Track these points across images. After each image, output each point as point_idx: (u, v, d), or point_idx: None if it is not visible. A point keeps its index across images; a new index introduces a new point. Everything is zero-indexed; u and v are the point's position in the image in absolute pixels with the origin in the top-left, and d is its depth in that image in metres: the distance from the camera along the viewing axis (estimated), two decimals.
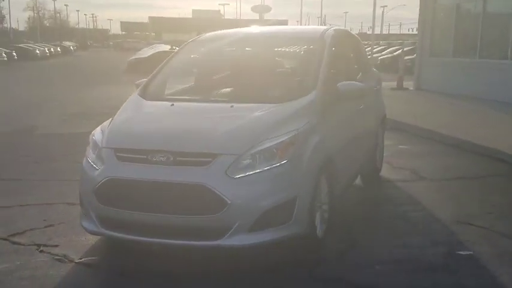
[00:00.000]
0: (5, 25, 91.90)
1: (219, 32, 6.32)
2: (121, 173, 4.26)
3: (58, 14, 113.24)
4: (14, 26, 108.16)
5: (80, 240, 4.91)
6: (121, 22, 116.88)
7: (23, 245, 4.87)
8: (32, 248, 4.78)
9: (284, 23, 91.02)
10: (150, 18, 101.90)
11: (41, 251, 4.72)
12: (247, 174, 4.12)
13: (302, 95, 4.87)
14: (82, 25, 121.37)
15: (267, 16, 40.80)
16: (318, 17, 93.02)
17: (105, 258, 4.67)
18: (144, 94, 5.26)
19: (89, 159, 4.52)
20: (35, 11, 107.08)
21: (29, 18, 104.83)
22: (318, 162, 4.51)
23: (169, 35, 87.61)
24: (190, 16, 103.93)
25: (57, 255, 4.62)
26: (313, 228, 4.51)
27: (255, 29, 6.66)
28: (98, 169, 4.38)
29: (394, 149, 9.19)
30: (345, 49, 6.25)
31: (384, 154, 7.72)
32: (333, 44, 5.66)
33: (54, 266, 4.44)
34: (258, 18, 37.48)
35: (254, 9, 45.46)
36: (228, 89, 5.51)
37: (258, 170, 4.15)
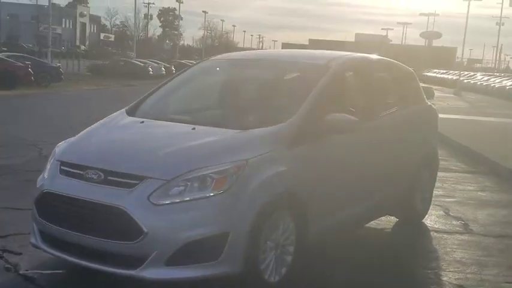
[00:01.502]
0: (182, 42, 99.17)
1: (226, 54, 6.13)
2: (57, 187, 4.15)
3: (226, 34, 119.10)
4: (188, 43, 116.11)
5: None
6: (282, 43, 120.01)
7: None
8: None
9: (453, 50, 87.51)
10: (310, 40, 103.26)
11: (0, 257, 4.73)
12: (172, 201, 3.81)
13: (274, 123, 4.45)
14: (247, 45, 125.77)
15: (436, 43, 39.06)
16: (494, 46, 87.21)
17: (51, 273, 4.52)
18: (132, 109, 5.10)
19: (45, 169, 4.48)
20: (207, 30, 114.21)
21: (202, 37, 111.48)
22: (269, 197, 4.07)
23: None
24: (353, 40, 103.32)
25: (10, 263, 4.59)
26: (255, 270, 4.05)
27: (266, 51, 6.33)
28: (42, 181, 4.32)
29: (468, 195, 8.25)
30: (368, 80, 5.65)
31: (454, 199, 6.98)
32: (340, 73, 5.20)
33: None
34: (424, 44, 36.31)
35: (423, 35, 44.01)
36: (209, 111, 5.23)
37: (186, 198, 3.83)
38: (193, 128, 4.48)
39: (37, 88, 24.09)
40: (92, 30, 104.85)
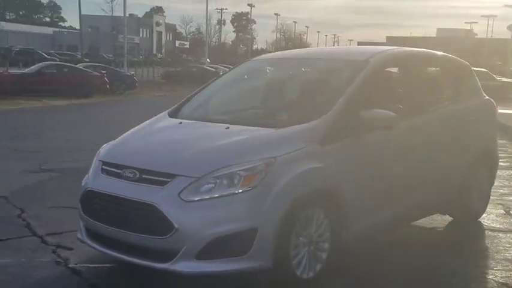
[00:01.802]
0: (255, 46, 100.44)
1: (269, 54, 6.18)
2: (98, 186, 4.36)
3: (299, 35, 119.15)
4: (262, 46, 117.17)
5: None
6: (358, 42, 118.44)
7: (48, 244, 5.20)
8: (49, 248, 5.08)
9: None
10: (388, 37, 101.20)
11: (54, 252, 5.00)
12: (202, 198, 3.93)
13: (308, 120, 4.48)
14: (322, 45, 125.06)
15: None
16: None
17: (97, 267, 4.73)
18: (174, 111, 5.27)
19: (90, 169, 4.70)
20: (281, 33, 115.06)
21: (276, 39, 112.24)
22: (299, 193, 4.11)
23: None
24: (434, 35, 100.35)
25: (61, 257, 4.85)
26: (287, 265, 4.10)
27: (309, 50, 6.31)
28: (86, 180, 4.55)
29: None
30: (414, 75, 5.56)
31: None
32: (379, 68, 5.14)
33: (48, 267, 4.67)
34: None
35: (510, 27, 42.29)
36: (247, 111, 5.31)
37: (215, 195, 3.94)
38: (228, 128, 4.57)
39: (112, 96, 25.08)
40: (168, 39, 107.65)
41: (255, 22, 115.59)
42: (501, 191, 7.96)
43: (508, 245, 5.58)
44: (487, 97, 6.70)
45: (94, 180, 4.45)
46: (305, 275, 4.27)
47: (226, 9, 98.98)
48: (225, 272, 3.98)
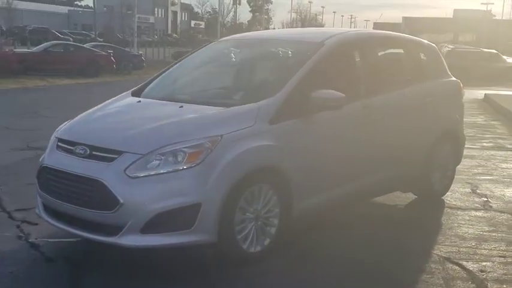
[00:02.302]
0: (271, 26, 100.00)
1: (236, 35, 6.32)
2: (52, 162, 4.56)
3: (315, 16, 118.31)
4: (279, 27, 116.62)
5: None
6: (374, 23, 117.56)
7: (14, 219, 5.42)
8: (14, 223, 5.30)
9: None
10: (404, 18, 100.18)
11: (18, 226, 5.21)
12: (147, 174, 4.11)
13: (259, 99, 4.65)
14: (337, 26, 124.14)
15: None
16: None
17: (56, 241, 4.92)
18: (138, 90, 5.44)
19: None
20: (298, 13, 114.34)
21: (292, 20, 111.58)
22: (243, 170, 4.28)
23: (425, 36, 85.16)
24: (451, 16, 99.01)
25: (23, 232, 5.06)
26: (231, 240, 4.28)
27: (272, 32, 6.43)
28: (43, 157, 4.77)
29: (509, 173, 8.04)
30: (373, 57, 5.69)
31: (489, 177, 7.20)
32: (334, 50, 5.26)
33: (8, 241, 4.89)
34: None
35: None
36: (205, 91, 5.48)
37: (160, 171, 4.12)
38: (181, 106, 4.75)
39: (119, 76, 25.27)
40: (183, 18, 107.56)
41: (271, 2, 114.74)
42: (475, 170, 8.09)
43: (462, 222, 5.73)
44: (453, 78, 6.79)
45: (49, 156, 4.65)
46: (252, 248, 4.44)
47: None
48: (169, 245, 4.15)
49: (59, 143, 4.66)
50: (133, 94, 5.35)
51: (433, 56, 6.61)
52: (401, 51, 6.29)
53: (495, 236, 5.37)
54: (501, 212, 6.12)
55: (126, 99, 5.26)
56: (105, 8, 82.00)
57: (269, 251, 4.58)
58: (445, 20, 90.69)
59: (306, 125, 4.76)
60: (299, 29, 7.61)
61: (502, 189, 7.09)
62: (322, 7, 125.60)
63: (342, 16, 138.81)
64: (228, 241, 4.28)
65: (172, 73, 5.76)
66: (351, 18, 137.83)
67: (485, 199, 6.59)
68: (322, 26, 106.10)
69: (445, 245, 5.10)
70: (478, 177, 7.68)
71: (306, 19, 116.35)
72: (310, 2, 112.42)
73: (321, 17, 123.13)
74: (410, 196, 6.47)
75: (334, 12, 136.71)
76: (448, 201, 6.46)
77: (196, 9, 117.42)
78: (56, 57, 23.08)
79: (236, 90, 5.26)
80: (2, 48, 20.71)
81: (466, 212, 6.08)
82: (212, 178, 4.13)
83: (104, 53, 25.26)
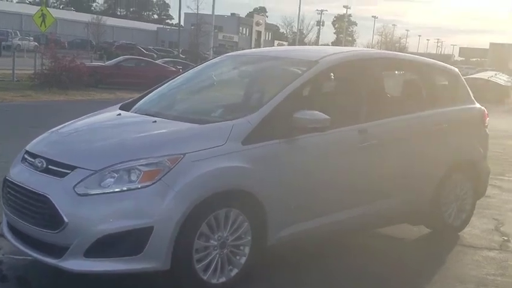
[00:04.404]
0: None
1: (241, 51, 6.12)
2: (13, 175, 4.36)
3: (399, 38, 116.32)
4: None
5: None
6: (460, 48, 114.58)
7: None
8: None
9: None
10: (491, 44, 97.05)
11: None
12: (96, 192, 3.88)
13: (235, 117, 4.44)
14: (422, 50, 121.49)
15: None
16: None
17: (21, 259, 4.58)
18: (127, 103, 5.35)
19: None
20: (382, 36, 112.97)
21: (377, 42, 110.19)
22: (206, 192, 4.00)
23: None
24: None
25: None
26: (188, 269, 3.98)
27: (274, 48, 6.21)
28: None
29: None
30: (374, 79, 5.33)
31: None
32: (327, 70, 5.01)
33: None
34: None
35: None
36: (189, 105, 5.33)
37: (111, 190, 3.87)
38: (154, 121, 4.59)
39: None
40: (267, 38, 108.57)
41: (356, 24, 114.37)
42: (510, 206, 7.48)
43: (469, 262, 5.27)
44: (477, 105, 6.32)
45: (13, 169, 4.48)
46: (215, 280, 4.14)
47: (326, 10, 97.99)
48: (115, 272, 3.88)
49: (25, 155, 4.48)
50: (122, 107, 5.24)
51: (452, 81, 6.18)
52: (412, 74, 5.92)
53: (499, 280, 4.88)
54: None
55: (108, 112, 5.17)
56: (192, 27, 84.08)
57: (235, 283, 4.26)
58: None
59: (287, 148, 4.47)
60: (301, 47, 7.34)
61: None
62: (407, 30, 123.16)
63: (428, 40, 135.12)
64: (184, 270, 3.98)
65: (166, 87, 5.63)
66: (437, 42, 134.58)
67: (506, 238, 6.04)
68: (407, 49, 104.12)
69: (435, 287, 4.69)
70: (509, 213, 7.09)
71: (390, 42, 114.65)
72: (394, 25, 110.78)
73: (405, 40, 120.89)
74: (424, 230, 6.03)
75: (419, 35, 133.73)
76: (463, 238, 5.97)
77: (282, 30, 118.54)
78: (127, 71, 23.76)
79: (217, 107, 5.06)
80: (74, 61, 21.39)
81: (478, 251, 5.58)
82: (168, 200, 3.86)
83: (173, 68, 25.76)
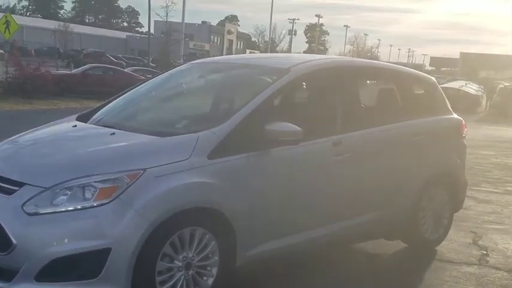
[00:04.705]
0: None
1: (208, 58, 5.83)
2: None
3: (371, 48, 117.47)
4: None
5: None
6: (431, 57, 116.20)
7: None
8: None
9: None
10: (462, 53, 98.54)
11: None
12: (47, 212, 3.54)
13: (200, 129, 4.12)
14: (394, 59, 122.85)
15: None
16: None
17: None
18: (86, 114, 4.96)
19: None
20: (354, 45, 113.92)
21: (349, 52, 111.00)
22: (170, 211, 3.69)
23: (483, 72, 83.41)
24: None
25: None
26: None
27: (243, 56, 5.92)
28: None
29: None
30: (348, 88, 5.07)
31: (499, 227, 6.55)
32: (299, 79, 4.74)
33: None
34: None
35: None
36: (150, 116, 4.97)
37: (64, 209, 3.53)
38: (113, 134, 4.25)
39: None
40: (239, 47, 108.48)
41: (328, 33, 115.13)
42: (486, 217, 7.29)
43: (447, 279, 5.01)
44: (454, 116, 6.12)
45: None
46: None
47: (298, 19, 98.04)
48: None
49: None
50: (79, 118, 4.88)
51: (430, 90, 5.97)
52: (388, 83, 5.68)
53: None
54: (497, 268, 5.35)
55: (64, 123, 4.81)
56: (162, 35, 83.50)
57: None
58: (506, 58, 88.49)
59: (257, 162, 4.17)
60: (273, 54, 6.96)
61: (508, 241, 6.29)
62: (379, 40, 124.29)
63: (399, 49, 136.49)
64: None
65: (128, 97, 5.29)
66: (409, 51, 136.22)
67: (484, 252, 5.82)
68: (378, 58, 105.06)
69: None
70: (486, 225, 6.88)
71: (362, 51, 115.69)
72: (365, 35, 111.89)
73: (377, 50, 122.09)
74: (400, 245, 5.79)
75: (390, 45, 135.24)
76: (441, 253, 5.74)
77: (254, 38, 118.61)
78: (94, 79, 23.25)
79: (182, 118, 4.71)
80: (39, 69, 20.84)
81: (457, 267, 5.34)
82: (127, 219, 3.53)
83: (142, 77, 25.27)
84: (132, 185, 3.63)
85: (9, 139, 4.57)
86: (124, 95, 5.30)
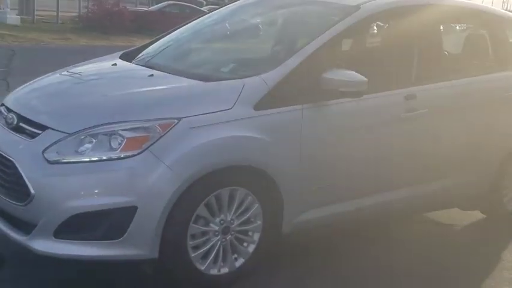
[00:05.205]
0: None
1: None
2: None
3: None
4: None
5: None
6: None
7: None
8: None
9: None
10: None
11: None
12: (69, 160, 3.11)
13: (245, 75, 3.56)
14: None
15: None
16: None
17: None
18: (130, 52, 4.49)
19: None
20: None
21: None
22: (206, 167, 3.20)
23: None
24: None
25: None
26: (181, 258, 3.24)
27: None
28: None
29: None
30: (432, 32, 4.31)
31: None
32: (374, 18, 4.06)
33: None
34: None
35: None
36: (198, 57, 4.42)
37: (85, 159, 3.10)
38: (151, 75, 3.75)
39: None
40: None
41: None
42: None
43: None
44: None
45: None
46: (215, 270, 3.39)
47: None
48: (89, 258, 3.15)
49: (1, 108, 3.75)
50: (123, 56, 4.40)
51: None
52: (476, 28, 4.85)
53: None
54: None
55: (104, 62, 4.35)
56: None
57: (241, 276, 3.49)
58: None
59: (312, 116, 3.57)
60: None
61: None
62: None
63: None
64: (175, 259, 3.23)
65: (179, 34, 4.74)
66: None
67: None
68: None
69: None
70: None
71: None
72: None
73: None
74: (476, 216, 5.08)
75: None
76: None
77: None
78: (171, 17, 22.88)
79: (230, 61, 4.12)
80: (117, 5, 20.74)
81: None
82: (157, 175, 3.07)
83: None
84: (164, 136, 3.14)
85: (42, 77, 4.15)
86: (175, 32, 4.77)
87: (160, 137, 3.13)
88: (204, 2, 46.80)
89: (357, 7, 3.95)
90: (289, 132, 3.52)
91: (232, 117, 3.34)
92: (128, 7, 23.06)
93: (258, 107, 3.42)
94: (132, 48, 4.60)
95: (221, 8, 5.09)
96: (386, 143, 3.97)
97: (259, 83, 3.48)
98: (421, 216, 4.91)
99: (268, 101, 3.44)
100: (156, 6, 25.27)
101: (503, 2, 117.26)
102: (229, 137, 3.30)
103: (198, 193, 3.22)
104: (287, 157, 3.50)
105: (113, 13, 20.52)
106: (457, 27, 5.27)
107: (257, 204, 3.46)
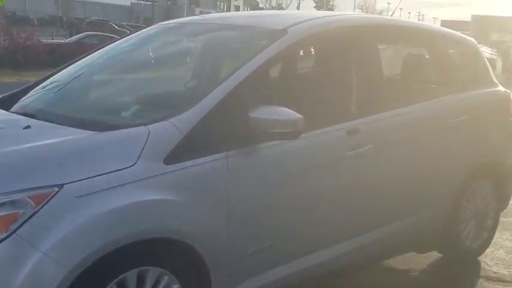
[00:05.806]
0: None
1: (182, 18, 4.41)
2: None
3: (380, 12, 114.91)
4: None
5: None
6: (441, 21, 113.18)
7: None
8: None
9: None
10: (473, 16, 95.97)
11: None
12: None
13: (150, 120, 2.82)
14: None
15: None
16: None
17: None
18: (12, 96, 3.65)
19: None
20: (363, 9, 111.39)
21: None
22: (104, 248, 2.43)
23: (495, 35, 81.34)
24: None
25: None
26: None
27: (228, 14, 4.53)
28: None
29: None
30: (370, 56, 3.69)
31: None
32: (304, 43, 3.45)
33: None
34: None
35: None
36: (88, 100, 3.59)
37: None
38: (27, 127, 2.94)
39: None
40: None
41: None
42: None
43: None
44: (500, 88, 4.77)
45: None
46: None
47: None
48: None
49: None
50: (3, 100, 3.57)
51: (471, 55, 4.62)
52: (417, 48, 4.33)
53: None
54: None
55: None
56: (169, 2, 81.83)
57: None
58: None
59: (240, 164, 2.89)
60: (267, 12, 5.26)
61: None
62: (388, 3, 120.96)
63: (409, 13, 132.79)
64: None
65: (72, 70, 3.91)
66: (419, 15, 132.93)
67: None
68: None
69: None
70: None
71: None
72: None
73: (387, 14, 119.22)
74: (433, 256, 4.52)
75: (400, 9, 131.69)
76: (486, 266, 4.49)
77: (261, 4, 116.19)
78: (89, 48, 21.72)
79: (133, 103, 3.34)
80: (30, 39, 19.60)
81: (493, 285, 4.11)
82: (30, 267, 2.30)
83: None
84: (39, 212, 2.35)
85: None
86: (68, 68, 3.96)
87: (34, 214, 2.34)
88: (128, 32, 46.04)
89: (284, 31, 3.30)
90: (212, 188, 2.81)
91: (135, 176, 2.58)
92: (42, 40, 21.84)
93: (169, 160, 2.69)
94: (15, 90, 3.75)
95: (128, 36, 4.34)
96: (330, 188, 3.32)
97: (169, 129, 2.75)
98: (372, 263, 4.30)
99: (183, 151, 2.72)
100: (73, 37, 24.11)
101: (418, 19, 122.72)
102: (131, 204, 2.53)
103: (92, 285, 2.45)
104: (212, 220, 2.79)
105: (26, 47, 19.36)
106: (392, 47, 4.73)
107: (176, 285, 2.73)
